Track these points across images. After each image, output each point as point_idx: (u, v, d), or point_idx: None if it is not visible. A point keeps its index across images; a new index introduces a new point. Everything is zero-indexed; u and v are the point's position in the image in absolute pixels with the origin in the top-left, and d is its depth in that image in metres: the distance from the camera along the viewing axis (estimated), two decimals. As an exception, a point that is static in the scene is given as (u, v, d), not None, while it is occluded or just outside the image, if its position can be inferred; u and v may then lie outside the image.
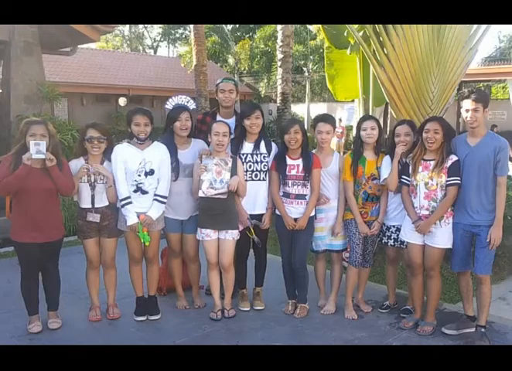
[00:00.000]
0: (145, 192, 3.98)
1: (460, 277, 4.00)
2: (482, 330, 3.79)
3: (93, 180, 3.93)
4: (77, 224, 4.11)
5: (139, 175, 3.95)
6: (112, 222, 4.06)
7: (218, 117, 4.39)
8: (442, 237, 3.82)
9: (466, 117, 3.74)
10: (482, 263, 3.74)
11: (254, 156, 4.19)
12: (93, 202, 3.95)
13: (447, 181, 3.75)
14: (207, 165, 3.94)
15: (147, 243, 3.97)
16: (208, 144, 4.15)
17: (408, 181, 3.92)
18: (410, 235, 3.95)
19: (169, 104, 4.19)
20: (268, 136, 4.26)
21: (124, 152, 3.97)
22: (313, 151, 4.30)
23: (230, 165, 3.97)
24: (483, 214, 3.72)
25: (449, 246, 3.86)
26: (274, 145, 4.31)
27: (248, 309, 4.38)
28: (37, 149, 3.55)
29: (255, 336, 3.90)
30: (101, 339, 3.84)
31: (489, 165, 3.67)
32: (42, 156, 3.57)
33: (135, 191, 3.97)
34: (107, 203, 3.99)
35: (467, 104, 3.72)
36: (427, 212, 3.82)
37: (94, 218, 3.96)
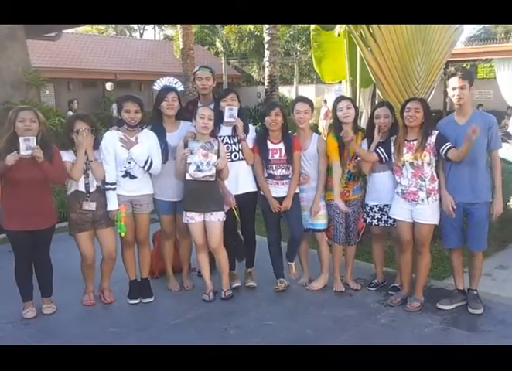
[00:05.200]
0: (133, 177, 4.04)
1: (453, 254, 4.09)
2: (475, 292, 3.99)
3: (85, 168, 3.93)
4: (69, 218, 4.03)
5: (129, 163, 4.00)
6: (107, 210, 4.04)
7: (199, 105, 4.42)
8: (430, 213, 3.90)
9: (453, 95, 3.80)
10: (478, 239, 3.88)
11: (232, 138, 4.26)
12: (87, 189, 3.95)
13: (442, 150, 3.79)
14: (193, 149, 3.97)
15: (122, 234, 4.02)
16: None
17: (383, 154, 3.99)
18: (398, 212, 4.02)
19: (157, 85, 4.26)
20: (257, 119, 4.33)
21: (114, 140, 3.99)
22: (294, 134, 4.37)
23: (216, 147, 4.01)
24: (479, 191, 3.80)
25: (435, 222, 3.94)
26: (251, 127, 4.39)
27: (239, 285, 4.44)
28: (27, 145, 3.54)
29: (248, 316, 3.98)
30: (96, 323, 3.90)
31: (481, 142, 3.73)
32: (30, 152, 3.55)
33: (124, 176, 4.02)
34: (100, 184, 4.00)
35: (454, 82, 3.79)
36: (415, 189, 3.89)
37: (90, 206, 3.94)
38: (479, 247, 3.93)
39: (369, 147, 4.14)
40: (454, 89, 3.78)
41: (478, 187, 3.80)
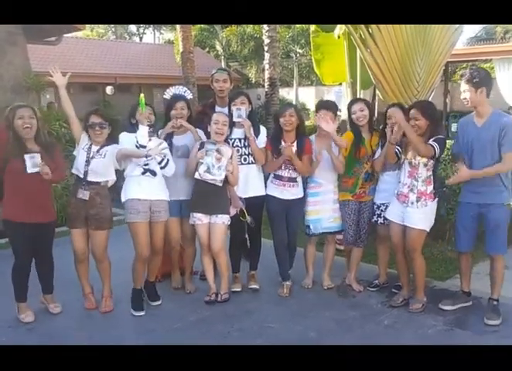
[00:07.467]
0: (153, 173, 3.98)
1: (462, 256, 4.08)
2: (495, 303, 3.92)
3: (91, 155, 3.92)
4: (67, 213, 4.13)
5: (145, 157, 3.91)
6: (101, 212, 3.98)
7: (217, 108, 4.46)
8: (418, 218, 3.89)
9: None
10: (495, 242, 3.84)
11: (243, 140, 4.26)
12: (85, 176, 3.94)
13: (431, 141, 3.80)
14: (208, 150, 3.99)
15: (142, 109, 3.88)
16: (208, 134, 4.19)
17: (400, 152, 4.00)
18: (391, 213, 4.07)
19: (167, 94, 4.33)
20: (257, 121, 4.34)
21: (130, 139, 3.95)
22: (313, 135, 4.38)
23: (230, 154, 4.04)
24: (493, 193, 3.77)
25: (425, 228, 3.92)
26: (262, 129, 4.39)
27: (240, 290, 4.44)
28: (33, 162, 3.62)
29: (250, 318, 3.97)
30: (98, 326, 3.89)
31: (496, 144, 3.71)
32: (37, 169, 3.62)
33: (143, 173, 3.97)
34: (99, 180, 3.96)
35: (461, 86, 3.82)
36: (407, 191, 3.92)
37: (84, 195, 3.92)
38: (499, 250, 3.86)
39: (382, 146, 4.14)
40: (461, 92, 3.81)
41: (492, 188, 3.77)
